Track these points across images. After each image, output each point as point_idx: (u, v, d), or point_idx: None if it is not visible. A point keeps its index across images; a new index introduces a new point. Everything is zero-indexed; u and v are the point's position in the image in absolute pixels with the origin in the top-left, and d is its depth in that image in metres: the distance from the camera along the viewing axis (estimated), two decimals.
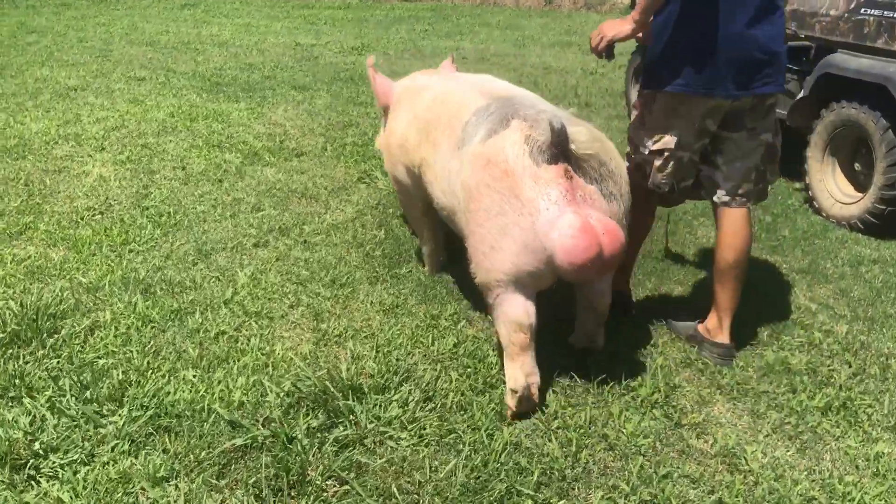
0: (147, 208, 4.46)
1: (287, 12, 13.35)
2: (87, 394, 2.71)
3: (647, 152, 2.89)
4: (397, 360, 2.96)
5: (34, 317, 3.16)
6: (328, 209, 4.49)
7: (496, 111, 2.74)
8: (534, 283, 2.59)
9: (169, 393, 2.74)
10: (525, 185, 2.48)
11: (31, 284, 3.54)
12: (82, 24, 11.40)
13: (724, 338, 3.01)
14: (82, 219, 4.31)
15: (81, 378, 2.79)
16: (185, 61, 8.76)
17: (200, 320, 3.24)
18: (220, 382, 2.80)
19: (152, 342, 3.08)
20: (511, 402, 2.65)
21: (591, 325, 3.00)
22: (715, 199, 2.95)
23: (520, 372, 2.64)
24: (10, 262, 3.76)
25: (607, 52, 2.80)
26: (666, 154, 2.85)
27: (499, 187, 2.51)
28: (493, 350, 3.03)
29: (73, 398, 2.68)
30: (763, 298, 3.54)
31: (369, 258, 3.85)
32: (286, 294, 3.48)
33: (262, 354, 3.00)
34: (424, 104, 3.18)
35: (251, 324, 3.22)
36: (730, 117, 2.82)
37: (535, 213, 2.46)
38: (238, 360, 2.95)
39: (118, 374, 2.82)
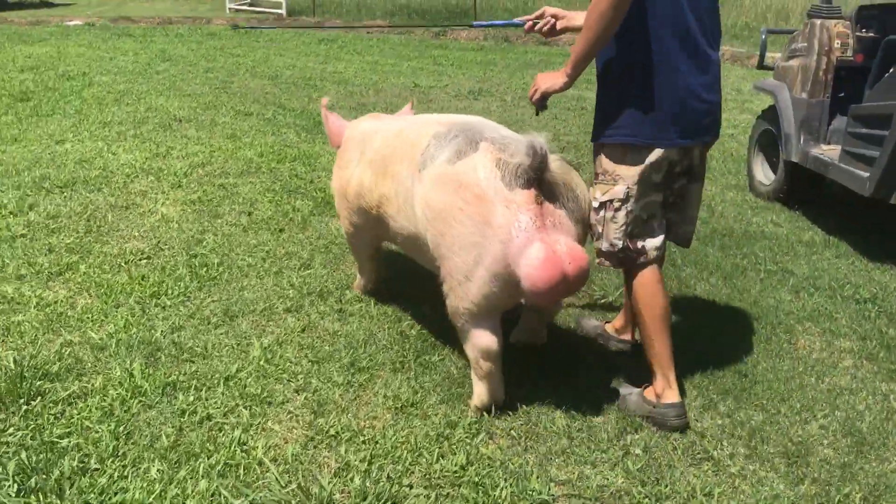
0: (195, 256, 4.22)
1: (419, 52, 13.24)
2: (33, 481, 2.40)
3: (597, 205, 2.79)
4: (389, 477, 2.49)
5: (19, 378, 2.92)
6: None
7: (460, 134, 2.74)
8: (503, 307, 2.73)
9: (119, 492, 2.38)
10: (497, 210, 2.50)
11: (41, 335, 3.33)
12: (215, 56, 11.68)
13: (674, 396, 2.84)
14: (126, 262, 4.11)
15: (36, 460, 2.49)
16: (299, 97, 8.70)
17: (192, 399, 2.89)
18: (179, 484, 2.42)
19: (132, 421, 2.75)
20: (473, 413, 2.84)
21: (537, 322, 3.24)
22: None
23: (486, 392, 2.80)
24: (34, 307, 3.58)
25: (539, 104, 2.80)
26: (616, 205, 2.76)
27: (471, 212, 2.53)
28: (504, 479, 2.50)
29: (16, 485, 2.38)
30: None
31: (402, 338, 3.40)
32: (296, 375, 3.09)
33: (241, 451, 2.60)
34: (377, 144, 3.20)
35: (242, 410, 2.84)
36: (680, 165, 2.80)
37: (506, 240, 2.49)
38: (210, 457, 2.56)
39: (74, 461, 2.50)
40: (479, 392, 2.80)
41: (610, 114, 2.72)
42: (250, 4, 21.54)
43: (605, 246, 2.81)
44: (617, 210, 2.76)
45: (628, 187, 2.73)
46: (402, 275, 4.02)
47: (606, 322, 3.41)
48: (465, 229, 2.55)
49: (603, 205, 2.77)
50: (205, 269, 4.04)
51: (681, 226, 2.97)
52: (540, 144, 2.48)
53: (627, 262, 2.84)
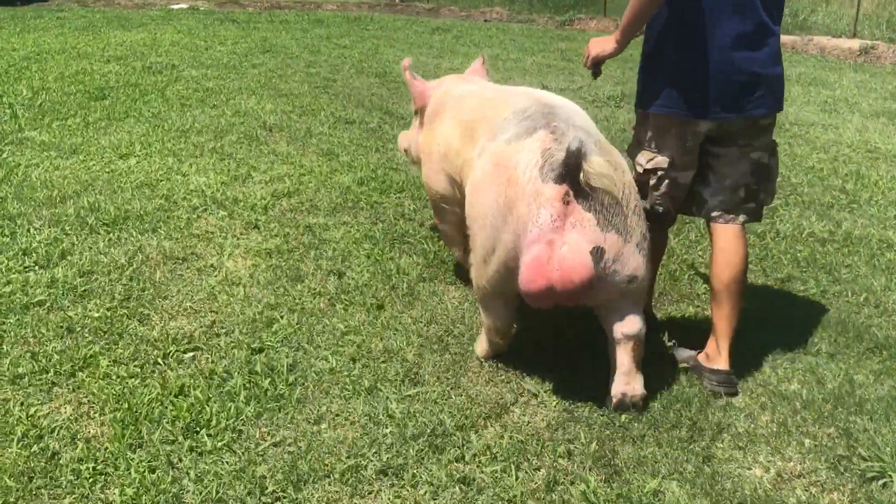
0: (259, 351, 3.01)
1: (544, 44, 11.81)
2: None
3: (641, 171, 2.85)
4: None
5: None
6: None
7: (532, 115, 2.70)
8: (514, 295, 2.67)
9: None
10: (522, 200, 2.46)
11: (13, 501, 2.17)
12: (320, 46, 10.57)
13: (722, 364, 2.84)
14: (164, 358, 2.94)
15: None
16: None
17: None
18: None
19: None
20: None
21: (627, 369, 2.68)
22: (703, 214, 2.91)
23: (488, 349, 2.95)
24: (18, 443, 2.43)
25: (595, 69, 2.86)
26: (659, 174, 2.82)
27: (500, 193, 2.52)
28: None
29: None
30: None
31: None
32: None
33: None
34: (469, 107, 3.13)
35: None
36: (720, 135, 2.78)
37: (520, 232, 2.46)
38: None
39: None
40: (483, 347, 2.98)
41: (657, 83, 2.75)
42: None
43: (647, 206, 2.82)
44: (661, 179, 2.83)
45: (672, 157, 2.79)
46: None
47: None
48: (490, 209, 2.55)
49: (647, 172, 2.84)
50: (269, 378, 2.82)
51: (718, 195, 2.85)
52: (578, 143, 2.37)
53: (669, 222, 3.01)
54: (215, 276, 3.61)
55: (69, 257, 3.73)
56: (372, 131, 6.27)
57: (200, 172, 4.99)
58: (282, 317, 3.26)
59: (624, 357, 2.62)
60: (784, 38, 12.42)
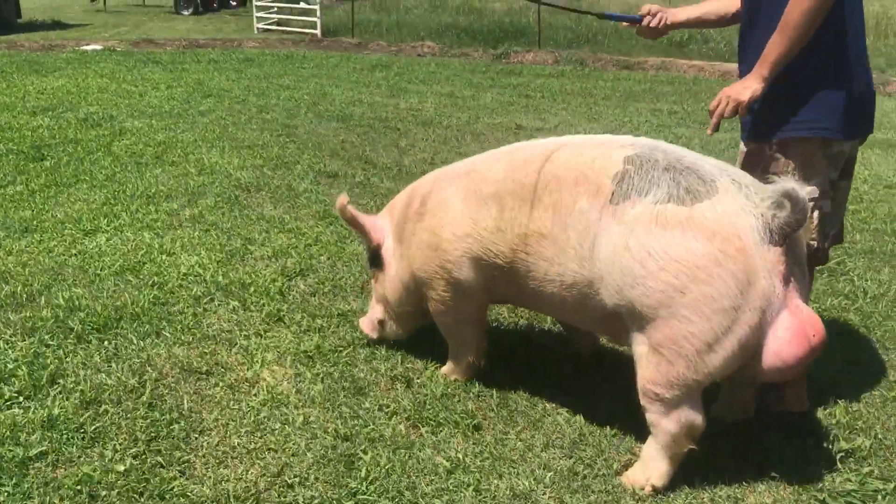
0: None
1: (492, 79, 11.36)
2: None
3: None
4: None
5: None
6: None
7: (677, 165, 2.32)
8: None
9: None
10: (760, 272, 2.18)
11: None
12: (264, 88, 9.80)
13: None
14: None
15: None
16: (386, 148, 6.79)
17: None
18: None
19: None
20: (644, 485, 2.41)
21: (751, 396, 2.73)
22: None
23: (669, 471, 2.41)
24: None
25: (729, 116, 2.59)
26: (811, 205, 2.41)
27: (733, 270, 2.16)
28: None
29: None
30: None
31: None
32: None
33: None
34: (500, 172, 2.67)
35: None
36: (849, 159, 2.72)
37: (766, 308, 2.20)
38: None
39: None
40: (663, 470, 2.40)
41: (800, 107, 2.57)
42: (277, 24, 19.83)
43: (816, 244, 2.64)
44: (812, 210, 2.48)
45: (822, 183, 2.57)
46: None
47: None
48: (721, 290, 2.17)
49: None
50: None
51: (835, 227, 2.78)
52: (803, 194, 2.15)
53: (821, 260, 2.80)
54: (256, 396, 2.88)
55: (61, 381, 2.92)
56: (361, 186, 5.62)
57: (188, 250, 4.22)
58: (363, 451, 2.56)
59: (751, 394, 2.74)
60: (731, 66, 12.37)
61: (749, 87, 2.53)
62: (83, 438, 2.59)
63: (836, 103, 2.57)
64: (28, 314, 3.41)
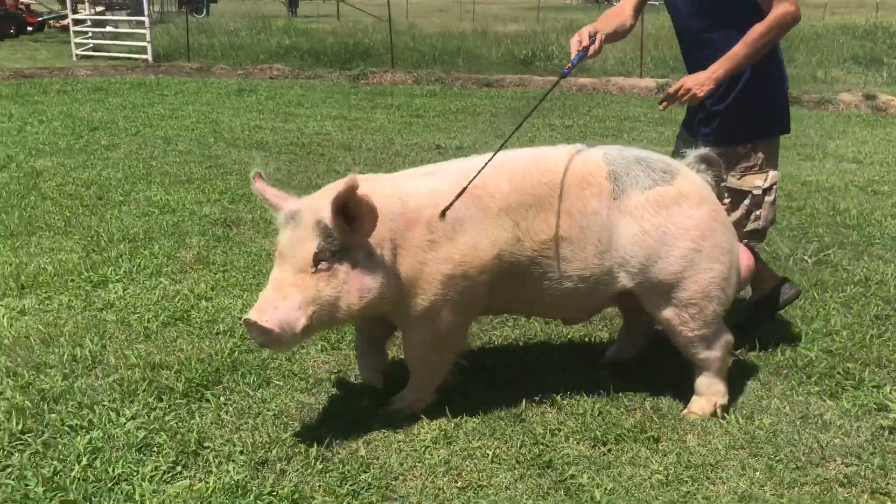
0: None
1: (370, 100, 11.33)
2: None
3: (759, 192, 3.18)
4: None
5: None
6: None
7: (642, 160, 2.81)
8: None
9: None
10: (726, 217, 2.93)
11: None
12: (143, 118, 9.22)
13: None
14: None
15: None
16: (327, 172, 6.64)
17: None
18: None
19: None
20: (713, 409, 2.90)
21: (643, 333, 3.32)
22: None
23: (725, 386, 2.92)
24: None
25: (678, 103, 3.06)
26: (774, 186, 3.23)
27: (723, 221, 2.84)
28: None
29: None
30: None
31: None
32: None
33: None
34: (507, 186, 2.74)
35: None
36: None
37: (738, 242, 2.94)
38: None
39: None
40: (723, 390, 2.92)
41: (766, 112, 3.17)
42: (94, 49, 18.54)
43: (761, 224, 3.24)
44: (773, 192, 3.23)
45: (777, 171, 3.24)
46: None
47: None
48: (722, 237, 2.78)
49: (765, 190, 3.20)
50: None
51: None
52: (715, 157, 2.95)
53: (763, 239, 3.38)
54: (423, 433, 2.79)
55: (209, 444, 2.68)
56: None
57: (223, 292, 3.96)
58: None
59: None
60: (585, 80, 13.14)
61: (705, 87, 2.97)
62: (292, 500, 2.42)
63: (784, 104, 3.24)
64: (115, 377, 3.09)
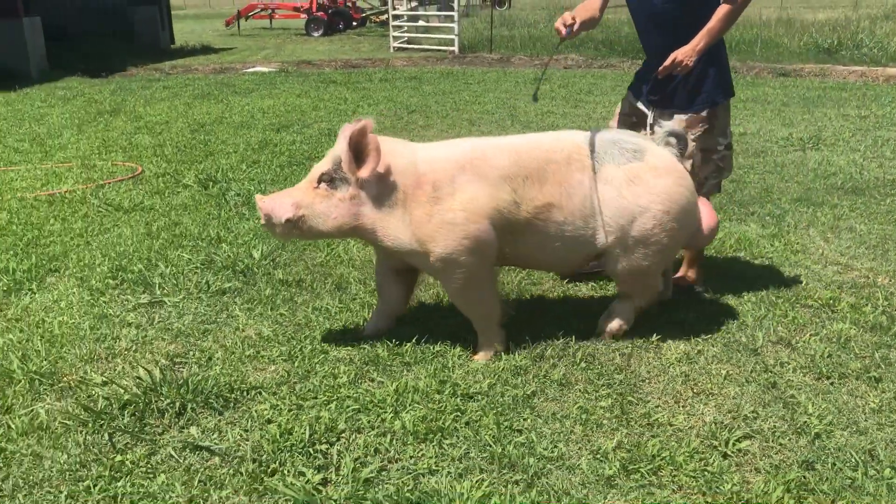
0: None
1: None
2: None
3: (723, 147, 3.85)
4: None
5: None
6: None
7: (607, 139, 3.36)
8: None
9: None
10: (691, 182, 3.43)
11: None
12: (496, 99, 10.48)
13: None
14: None
15: None
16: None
17: None
18: None
19: None
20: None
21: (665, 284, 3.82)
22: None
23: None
24: None
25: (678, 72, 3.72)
26: (730, 142, 3.90)
27: (688, 186, 3.37)
28: None
29: None
30: None
31: None
32: None
33: None
34: (506, 160, 3.26)
35: None
36: None
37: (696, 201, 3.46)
38: None
39: None
40: (631, 318, 3.58)
41: (722, 80, 3.76)
42: (408, 42, 20.60)
43: (725, 175, 3.97)
44: (731, 147, 3.92)
45: (730, 131, 3.92)
46: None
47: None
48: (687, 202, 3.33)
49: (727, 146, 3.86)
50: None
51: None
52: (681, 131, 3.53)
53: (717, 191, 4.03)
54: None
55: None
56: None
57: None
58: None
59: None
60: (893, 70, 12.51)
61: (692, 57, 3.57)
62: (560, 382, 3.20)
63: (728, 70, 3.83)
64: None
